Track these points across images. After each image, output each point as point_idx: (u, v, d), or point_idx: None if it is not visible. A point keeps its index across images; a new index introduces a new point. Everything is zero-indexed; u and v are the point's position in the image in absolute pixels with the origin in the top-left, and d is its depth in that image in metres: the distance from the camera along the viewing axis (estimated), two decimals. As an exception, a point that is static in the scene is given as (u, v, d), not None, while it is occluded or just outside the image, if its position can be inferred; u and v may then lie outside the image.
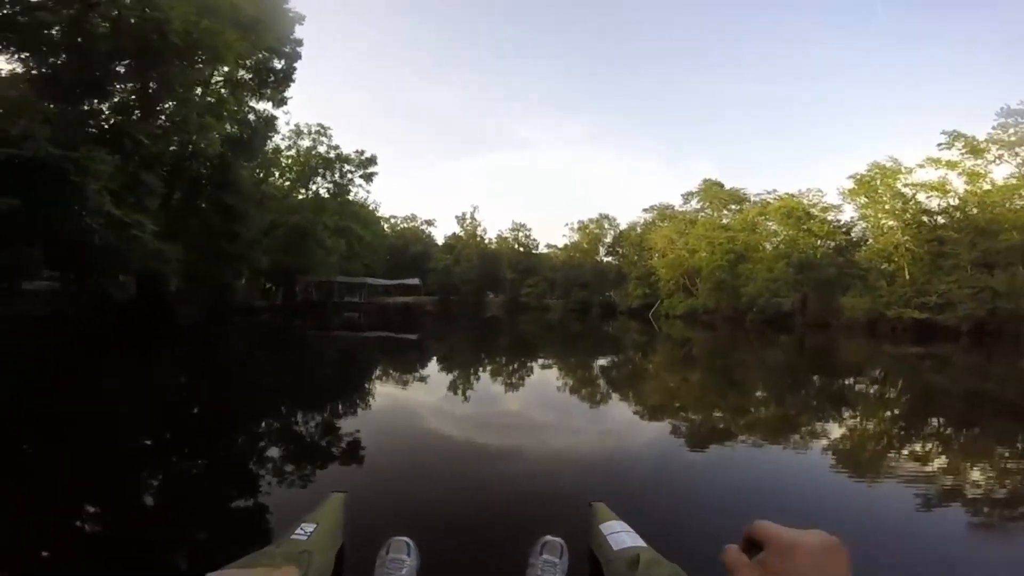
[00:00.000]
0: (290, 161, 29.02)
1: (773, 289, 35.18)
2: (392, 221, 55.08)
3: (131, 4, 11.75)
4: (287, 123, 28.75)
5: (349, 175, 29.82)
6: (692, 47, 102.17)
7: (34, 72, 12.45)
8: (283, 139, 28.09)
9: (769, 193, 41.74)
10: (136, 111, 15.24)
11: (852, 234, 36.92)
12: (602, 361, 16.29)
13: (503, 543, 2.83)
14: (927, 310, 27.75)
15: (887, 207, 32.52)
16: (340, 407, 7.69)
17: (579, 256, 56.46)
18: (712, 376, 13.62)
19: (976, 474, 5.36)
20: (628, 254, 52.92)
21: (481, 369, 12.79)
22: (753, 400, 9.68)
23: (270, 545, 2.08)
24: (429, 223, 60.58)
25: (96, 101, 13.96)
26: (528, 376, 11.81)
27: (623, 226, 55.90)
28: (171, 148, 17.43)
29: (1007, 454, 6.28)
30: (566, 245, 58.56)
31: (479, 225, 56.95)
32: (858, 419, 8.01)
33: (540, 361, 15.52)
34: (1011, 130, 27.82)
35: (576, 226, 57.99)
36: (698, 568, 1.94)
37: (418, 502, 3.62)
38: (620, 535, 2.27)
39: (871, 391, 11.66)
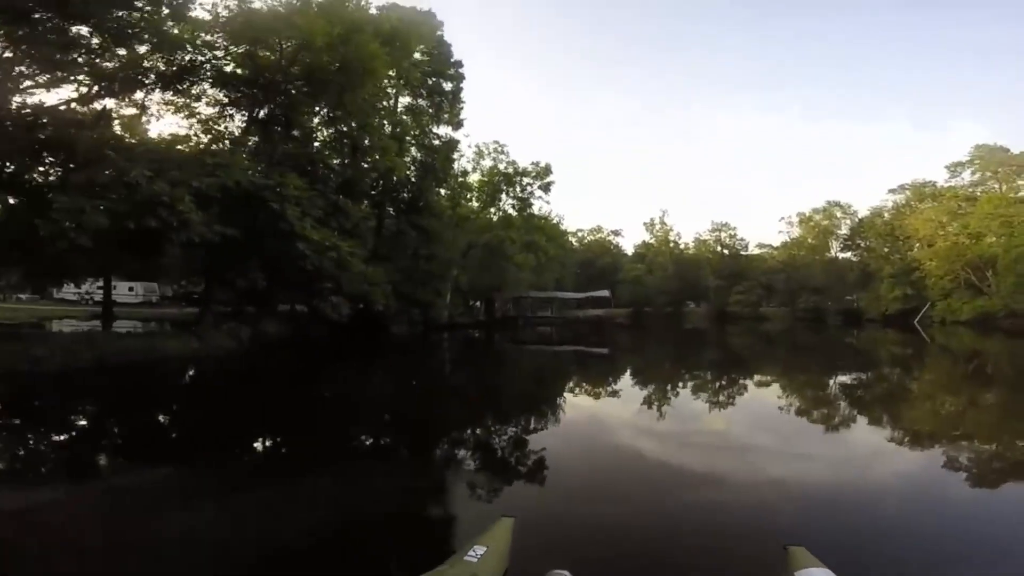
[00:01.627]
0: (477, 183, 31.21)
1: None
2: (579, 235, 54.95)
3: (281, 28, 13.29)
4: (468, 145, 30.49)
5: (529, 188, 30.61)
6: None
7: (234, 111, 15.44)
8: (468, 161, 30.32)
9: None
10: (345, 152, 18.07)
11: None
12: (844, 379, 13.03)
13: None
14: None
15: None
16: (522, 425, 7.26)
17: (804, 254, 47.03)
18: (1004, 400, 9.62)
19: None
20: (875, 247, 42.39)
21: (673, 389, 11.25)
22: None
23: (444, 564, 2.25)
24: (616, 233, 58.42)
25: (294, 136, 16.53)
26: (731, 398, 10.06)
27: (863, 213, 44.91)
28: (375, 176, 19.99)
29: None
30: (785, 243, 49.48)
31: (671, 230, 52.25)
32: None
33: (756, 378, 13.18)
34: None
35: (796, 219, 48.36)
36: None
37: (586, 531, 3.50)
38: None
39: None
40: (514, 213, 31.46)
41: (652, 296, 47.13)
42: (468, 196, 31.21)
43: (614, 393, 10.23)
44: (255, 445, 6.13)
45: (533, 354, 19.95)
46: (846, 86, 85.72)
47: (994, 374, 14.01)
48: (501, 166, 30.45)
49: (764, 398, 9.85)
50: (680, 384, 11.86)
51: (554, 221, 35.64)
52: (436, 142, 24.35)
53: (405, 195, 23.56)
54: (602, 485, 4.61)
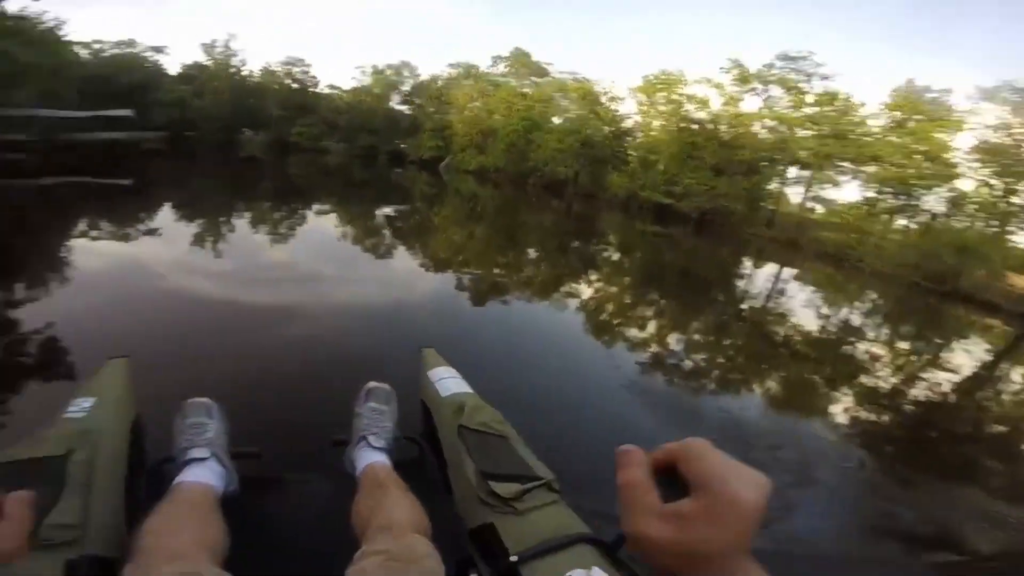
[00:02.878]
0: None
1: (558, 159, 37.03)
2: (96, 47, 38.08)
3: None
4: None
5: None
6: None
7: None
8: None
9: (571, 74, 43.11)
10: None
11: (627, 124, 39.68)
12: (387, 211, 15.20)
13: (325, 399, 2.71)
14: (671, 196, 31.79)
15: (661, 109, 35.76)
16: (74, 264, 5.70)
17: (370, 100, 49.67)
18: (498, 235, 14.15)
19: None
20: (425, 105, 49.29)
21: (252, 220, 10.29)
22: (533, 261, 10.76)
23: (39, 429, 1.60)
24: (158, 50, 43.10)
25: None
26: (308, 225, 10.56)
27: (424, 77, 51.01)
28: None
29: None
30: (355, 88, 50.60)
31: (235, 56, 43.72)
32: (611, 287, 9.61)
33: (315, 208, 13.82)
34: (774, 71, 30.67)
35: (371, 70, 50.12)
36: (523, 411, 2.26)
37: (219, 363, 3.28)
38: (447, 381, 2.21)
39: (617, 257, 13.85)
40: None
41: (199, 121, 39.28)
42: None
43: (166, 234, 8.00)
44: None
45: None
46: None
47: (485, 212, 19.68)
48: None
49: (325, 228, 10.59)
50: (243, 216, 10.96)
51: (44, 24, 23.81)
52: None
53: None
54: (221, 321, 4.26)
